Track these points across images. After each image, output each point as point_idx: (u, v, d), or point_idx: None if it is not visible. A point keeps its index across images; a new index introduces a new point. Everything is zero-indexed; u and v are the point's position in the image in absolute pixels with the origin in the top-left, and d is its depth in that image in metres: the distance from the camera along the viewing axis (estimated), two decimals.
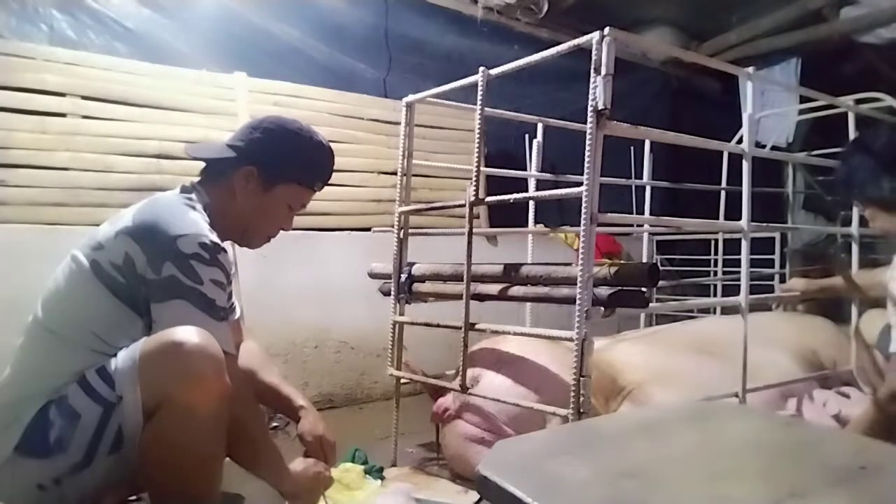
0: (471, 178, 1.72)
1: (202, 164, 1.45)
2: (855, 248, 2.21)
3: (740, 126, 1.99)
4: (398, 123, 2.06)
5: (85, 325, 1.21)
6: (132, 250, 1.20)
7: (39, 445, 1.12)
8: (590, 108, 1.37)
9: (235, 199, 1.39)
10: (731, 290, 2.20)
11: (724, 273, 3.61)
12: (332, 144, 1.52)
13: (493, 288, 1.75)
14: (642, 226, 3.04)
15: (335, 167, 1.53)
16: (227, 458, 1.36)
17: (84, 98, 2.50)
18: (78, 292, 1.23)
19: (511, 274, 1.71)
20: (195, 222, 1.25)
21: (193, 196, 1.35)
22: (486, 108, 1.72)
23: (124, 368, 1.13)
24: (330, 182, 1.54)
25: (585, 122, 1.39)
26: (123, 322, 1.21)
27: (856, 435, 1.66)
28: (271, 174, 1.40)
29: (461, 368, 1.72)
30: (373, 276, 2.14)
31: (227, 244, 1.35)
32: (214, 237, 1.26)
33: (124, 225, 1.24)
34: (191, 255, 1.19)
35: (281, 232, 1.51)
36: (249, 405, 1.33)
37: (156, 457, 1.12)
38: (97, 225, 1.30)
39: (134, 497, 1.36)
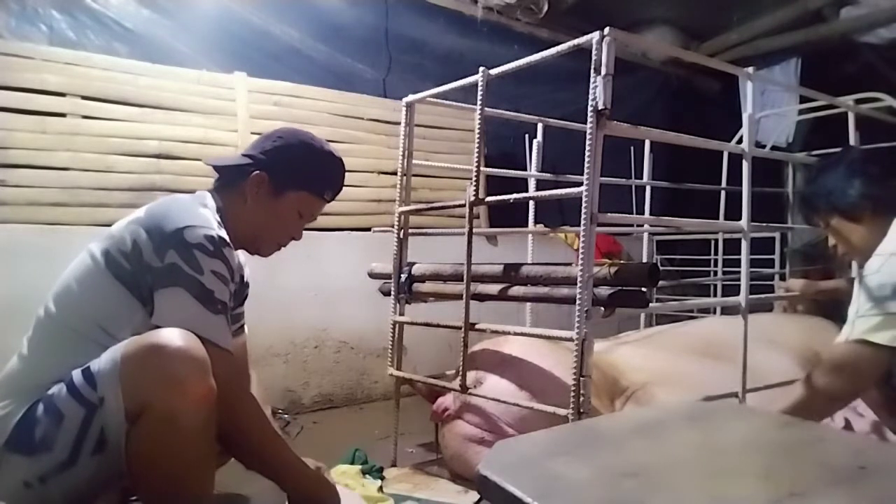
0: (471, 178, 1.72)
1: (203, 165, 1.47)
2: None
3: (740, 126, 1.99)
4: (398, 123, 2.06)
5: (92, 317, 1.22)
6: (140, 238, 1.23)
7: (26, 443, 1.12)
8: (590, 108, 1.37)
9: (246, 204, 1.43)
10: (731, 290, 2.20)
11: (724, 273, 3.61)
12: (331, 144, 1.53)
13: (493, 288, 1.75)
14: (642, 226, 3.04)
15: None
16: (231, 459, 1.36)
17: (84, 98, 2.50)
18: (88, 282, 1.24)
19: (511, 274, 1.71)
20: (204, 217, 1.29)
21: (207, 200, 1.39)
22: (486, 108, 1.72)
23: (106, 370, 1.11)
24: None
25: (585, 122, 1.39)
26: (125, 310, 1.22)
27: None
28: (282, 180, 1.44)
29: (461, 368, 1.72)
30: (373, 276, 2.14)
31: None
32: (222, 233, 1.29)
33: (136, 216, 1.28)
34: (195, 245, 1.21)
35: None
36: (245, 402, 1.30)
37: (143, 462, 1.11)
38: (97, 225, 1.31)
39: (134, 497, 1.36)
